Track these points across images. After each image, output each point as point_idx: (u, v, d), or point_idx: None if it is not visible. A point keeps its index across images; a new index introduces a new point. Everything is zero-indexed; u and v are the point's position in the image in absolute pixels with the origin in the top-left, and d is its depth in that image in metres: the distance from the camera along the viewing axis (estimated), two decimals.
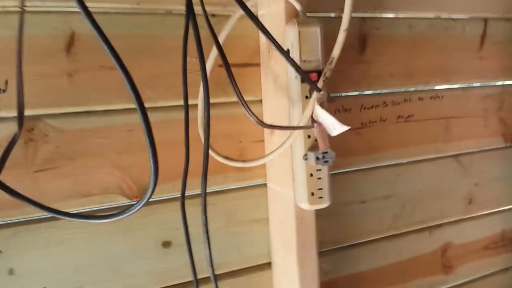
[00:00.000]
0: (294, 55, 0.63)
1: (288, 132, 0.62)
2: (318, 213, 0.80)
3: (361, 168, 0.85)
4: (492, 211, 1.02)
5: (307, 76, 0.52)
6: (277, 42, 0.51)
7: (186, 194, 0.71)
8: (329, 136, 0.60)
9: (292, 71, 0.64)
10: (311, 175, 0.66)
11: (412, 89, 0.89)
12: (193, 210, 0.71)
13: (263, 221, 0.77)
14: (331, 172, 0.82)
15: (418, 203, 0.92)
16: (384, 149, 0.87)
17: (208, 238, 0.54)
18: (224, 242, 0.75)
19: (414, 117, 0.89)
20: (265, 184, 0.77)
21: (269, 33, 0.51)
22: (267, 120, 0.74)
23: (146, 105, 0.61)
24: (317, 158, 0.64)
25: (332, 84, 0.80)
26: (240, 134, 0.74)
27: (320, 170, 0.66)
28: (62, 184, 0.64)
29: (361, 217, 0.86)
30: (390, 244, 0.90)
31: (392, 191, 0.89)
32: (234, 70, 0.71)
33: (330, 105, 0.80)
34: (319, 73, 0.64)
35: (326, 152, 0.64)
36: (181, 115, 0.67)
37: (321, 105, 0.62)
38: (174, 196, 0.71)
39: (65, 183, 0.64)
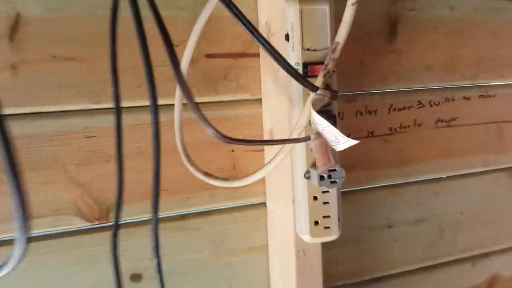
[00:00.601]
0: (295, 41, 0.48)
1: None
2: (334, 240, 0.64)
3: (389, 184, 0.69)
4: None
5: (294, 70, 0.37)
6: (246, 20, 0.35)
7: (163, 216, 0.58)
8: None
9: (292, 61, 0.49)
10: (315, 198, 0.51)
11: (456, 85, 0.71)
12: (173, 235, 0.58)
13: (261, 249, 0.62)
14: (349, 189, 0.66)
15: (460, 228, 0.74)
16: (418, 161, 0.70)
17: (160, 273, 0.40)
18: (211, 275, 0.60)
19: (458, 120, 0.71)
20: (264, 204, 0.62)
21: (238, 12, 0.35)
22: (267, 125, 0.59)
23: (108, 105, 0.48)
24: (321, 178, 0.48)
25: (353, 79, 0.64)
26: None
27: (327, 192, 0.51)
28: (3, 203, 0.52)
29: (388, 245, 0.70)
30: (424, 277, 0.73)
31: (428, 213, 0.72)
32: (226, 61, 0.57)
33: (349, 105, 0.64)
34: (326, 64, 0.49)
35: (334, 170, 0.48)
36: (159, 117, 0.53)
37: (326, 108, 0.46)
38: (147, 218, 0.57)
39: (7, 202, 0.52)
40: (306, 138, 0.39)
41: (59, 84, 0.52)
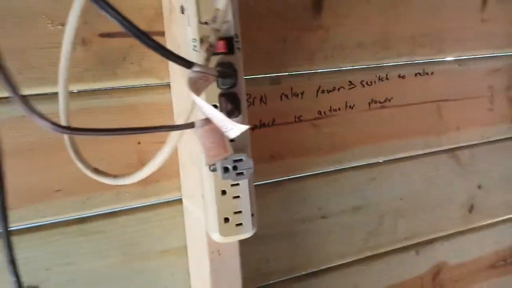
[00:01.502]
0: (190, 13, 0.41)
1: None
2: (261, 235, 0.59)
3: (320, 171, 0.64)
4: (499, 219, 0.79)
5: (159, 46, 0.30)
6: None
7: (60, 220, 0.51)
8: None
9: (189, 37, 0.42)
10: (224, 192, 0.45)
11: (390, 63, 0.66)
12: (73, 241, 0.51)
13: (179, 251, 0.56)
14: (278, 179, 0.60)
15: (400, 215, 0.70)
16: (351, 146, 0.65)
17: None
18: (120, 284, 0.54)
19: (393, 101, 0.67)
20: (180, 200, 0.56)
21: None
22: (178, 112, 0.53)
23: None
24: (225, 170, 0.42)
25: (275, 59, 0.58)
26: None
27: (237, 185, 0.45)
28: None
29: (323, 237, 0.65)
30: (364, 269, 0.68)
31: (365, 201, 0.67)
32: (124, 41, 0.50)
33: (272, 88, 0.58)
34: (229, 40, 0.42)
35: (240, 160, 0.42)
36: (45, 107, 0.46)
37: (229, 90, 0.40)
38: (39, 224, 0.50)
39: None
40: (189, 125, 0.33)
41: None
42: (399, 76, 0.66)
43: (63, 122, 0.46)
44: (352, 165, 0.65)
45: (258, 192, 0.59)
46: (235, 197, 0.45)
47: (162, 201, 0.55)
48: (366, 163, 0.66)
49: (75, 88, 0.49)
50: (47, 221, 0.50)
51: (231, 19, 0.42)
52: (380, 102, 0.66)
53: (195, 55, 0.42)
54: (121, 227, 0.53)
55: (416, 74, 0.67)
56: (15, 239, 0.48)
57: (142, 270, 0.54)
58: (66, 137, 0.46)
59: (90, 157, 0.50)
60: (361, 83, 0.64)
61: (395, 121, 0.67)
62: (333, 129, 0.63)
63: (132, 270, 0.54)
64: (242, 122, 0.43)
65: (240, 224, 0.45)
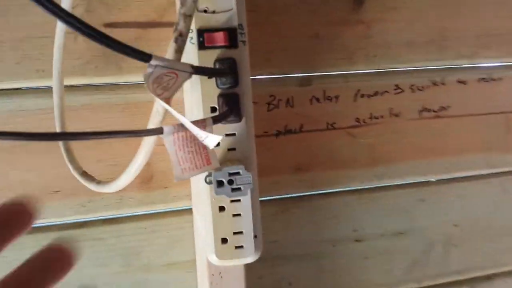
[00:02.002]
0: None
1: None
2: (282, 254, 0.52)
3: (356, 188, 0.55)
4: None
5: (102, 35, 0.23)
6: None
7: (56, 223, 0.47)
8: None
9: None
10: (222, 209, 0.38)
11: (448, 66, 0.56)
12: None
13: (188, 265, 0.51)
14: (304, 193, 0.53)
15: (453, 243, 0.60)
16: (396, 160, 0.56)
17: None
18: None
19: (450, 110, 0.57)
20: (190, 210, 0.50)
21: None
22: (188, 110, 0.47)
23: None
24: (219, 184, 0.36)
25: (306, 57, 0.51)
26: None
27: (238, 201, 0.38)
28: None
29: (356, 262, 0.56)
30: None
31: (410, 225, 0.58)
32: (131, 32, 0.46)
33: (301, 90, 0.51)
34: (231, 31, 0.36)
35: (237, 174, 0.36)
36: (45, 102, 0.44)
37: (228, 90, 0.34)
38: (35, 225, 0.47)
39: None
40: (157, 131, 0.27)
41: None
42: (459, 81, 0.56)
43: (57, 119, 0.42)
44: (396, 183, 0.56)
45: (281, 207, 0.53)
46: (235, 215, 0.39)
47: (169, 209, 0.50)
48: (413, 181, 0.57)
49: (76, 82, 0.45)
50: (44, 223, 0.47)
51: (233, 6, 0.36)
52: (434, 111, 0.56)
53: (191, 49, 0.36)
54: (122, 235, 0.49)
55: (479, 80, 0.57)
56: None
57: (145, 282, 0.49)
58: (58, 128, 0.42)
59: (93, 158, 0.46)
60: (410, 87, 0.55)
61: (451, 134, 0.57)
62: (373, 140, 0.54)
63: (134, 281, 0.49)
64: (245, 129, 0.37)
65: (240, 246, 0.39)
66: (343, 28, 0.52)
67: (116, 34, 0.45)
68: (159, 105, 0.28)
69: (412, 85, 0.55)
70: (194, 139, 0.29)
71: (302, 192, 0.53)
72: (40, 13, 0.43)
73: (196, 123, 0.28)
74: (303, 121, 0.52)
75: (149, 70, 0.25)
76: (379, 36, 0.53)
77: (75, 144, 0.43)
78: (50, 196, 0.46)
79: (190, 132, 0.28)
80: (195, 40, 0.36)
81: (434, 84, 0.56)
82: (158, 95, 0.26)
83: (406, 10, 0.53)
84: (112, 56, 0.46)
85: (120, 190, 0.44)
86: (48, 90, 0.44)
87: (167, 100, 0.28)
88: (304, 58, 0.51)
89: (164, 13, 0.46)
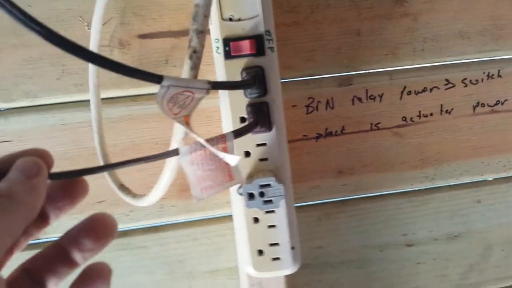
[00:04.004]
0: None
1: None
2: (327, 261, 0.50)
3: (405, 190, 0.52)
4: None
5: (99, 58, 0.22)
6: None
7: None
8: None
9: (212, 37, 0.36)
10: (256, 220, 0.38)
11: (504, 57, 0.52)
12: (115, 254, 0.48)
13: (231, 272, 0.51)
14: (348, 197, 0.51)
15: None
16: (448, 160, 0.52)
17: None
18: None
19: (508, 104, 0.52)
20: (231, 217, 0.50)
21: None
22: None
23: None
24: (250, 196, 0.35)
25: (346, 55, 0.49)
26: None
27: (272, 212, 0.37)
28: None
29: (407, 268, 0.54)
30: None
31: (465, 227, 0.54)
32: (166, 41, 0.46)
33: (341, 90, 0.49)
34: (258, 39, 0.35)
35: (267, 186, 0.35)
36: (84, 115, 0.45)
37: (256, 99, 0.33)
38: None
39: None
40: (172, 152, 0.27)
41: None
42: None
43: (95, 132, 0.43)
44: (449, 184, 0.53)
45: (324, 212, 0.51)
46: (270, 226, 0.38)
47: (210, 216, 0.50)
48: (468, 181, 0.53)
49: (113, 94, 0.46)
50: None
51: (259, 12, 0.34)
52: (490, 106, 0.52)
53: (218, 59, 0.35)
54: (166, 243, 0.49)
55: None
56: None
57: None
58: (98, 147, 0.43)
59: (134, 168, 0.47)
60: (462, 81, 0.51)
61: (509, 130, 0.52)
62: (423, 139, 0.51)
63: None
64: (277, 138, 0.35)
65: (278, 258, 0.38)
66: (386, 23, 0.49)
67: (153, 43, 0.45)
68: (180, 127, 0.27)
69: (465, 79, 0.51)
70: (214, 155, 0.28)
71: (346, 196, 0.51)
72: (79, 29, 0.44)
73: (216, 139, 0.28)
74: (345, 122, 0.50)
75: (162, 91, 0.24)
76: (426, 28, 0.49)
77: (113, 156, 0.44)
78: (94, 206, 0.47)
79: (207, 150, 0.28)
80: (221, 50, 0.35)
81: (489, 77, 0.51)
82: (175, 115, 0.26)
83: (453, 0, 0.49)
84: (149, 67, 0.46)
85: (161, 199, 0.44)
86: (87, 103, 0.45)
87: (187, 117, 0.27)
88: (344, 57, 0.49)
89: None
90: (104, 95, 0.44)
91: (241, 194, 0.37)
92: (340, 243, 0.52)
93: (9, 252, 0.24)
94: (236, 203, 0.38)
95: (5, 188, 0.21)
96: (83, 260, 0.25)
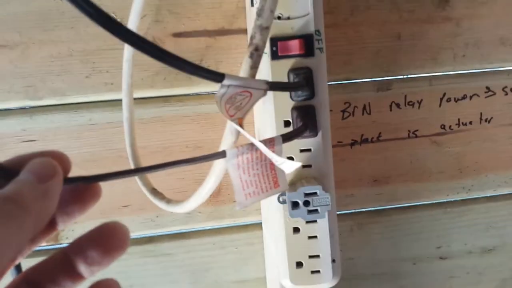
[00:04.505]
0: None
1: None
2: (358, 273, 0.48)
3: (441, 201, 0.50)
4: None
5: (158, 49, 0.20)
6: None
7: None
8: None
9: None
10: (296, 230, 0.36)
11: None
12: (140, 261, 0.46)
13: (259, 283, 0.48)
14: (382, 207, 0.49)
15: None
16: (487, 170, 0.50)
17: None
18: None
19: None
20: (260, 225, 0.48)
21: None
22: (256, 124, 0.45)
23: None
24: (294, 205, 0.33)
25: (385, 60, 0.47)
26: (211, 144, 0.46)
27: (314, 222, 0.35)
28: None
29: (440, 282, 0.52)
30: None
31: (501, 240, 0.52)
32: (200, 41, 0.44)
33: (379, 95, 0.47)
34: (307, 38, 0.33)
35: (314, 194, 0.33)
36: (114, 115, 0.43)
37: (303, 101, 0.31)
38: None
39: None
40: (219, 154, 0.25)
41: None
42: None
43: (126, 132, 0.41)
44: (487, 195, 0.51)
45: (357, 222, 0.49)
46: (311, 237, 0.36)
47: (238, 224, 0.48)
48: (506, 192, 0.51)
49: (145, 94, 0.44)
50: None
51: (310, 11, 0.33)
52: None
53: (263, 59, 0.33)
54: (192, 250, 0.47)
55: None
56: None
57: None
58: (128, 149, 0.41)
59: (161, 172, 0.45)
60: (503, 89, 0.49)
61: None
62: (461, 148, 0.49)
63: None
64: (322, 144, 0.33)
65: (317, 271, 0.36)
66: (427, 27, 0.47)
67: (187, 42, 0.43)
68: (232, 126, 0.25)
69: (505, 87, 0.49)
70: (261, 160, 0.26)
71: (380, 206, 0.49)
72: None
73: (264, 142, 0.26)
74: (382, 129, 0.48)
75: (222, 90, 0.23)
76: (468, 34, 0.47)
77: (142, 159, 0.42)
78: (119, 211, 0.45)
79: (255, 153, 0.26)
80: (267, 49, 0.33)
81: None
82: (231, 116, 0.24)
83: (497, 5, 0.48)
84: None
85: None
86: (117, 103, 0.43)
87: (240, 120, 0.25)
88: (384, 61, 0.47)
89: (233, 20, 0.44)
90: (135, 95, 0.42)
91: (282, 202, 0.35)
92: (372, 254, 0.50)
93: (12, 260, 0.21)
94: (274, 211, 0.36)
95: (13, 192, 0.19)
96: (89, 274, 0.22)
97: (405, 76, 0.48)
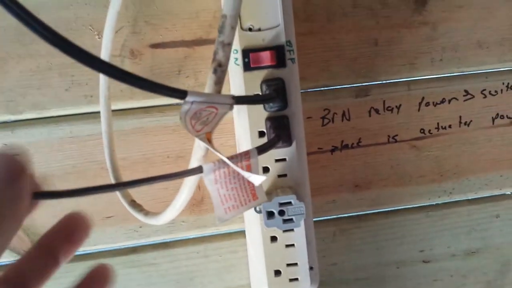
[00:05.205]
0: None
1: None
2: (342, 279, 0.49)
3: (422, 204, 0.51)
4: None
5: (112, 68, 0.21)
6: None
7: (112, 248, 0.47)
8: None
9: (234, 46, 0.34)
10: (274, 239, 0.36)
11: None
12: (124, 272, 0.47)
13: None
14: (364, 212, 0.50)
15: None
16: (467, 173, 0.51)
17: None
18: None
19: None
20: (244, 233, 0.48)
21: None
22: (236, 133, 0.45)
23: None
24: (270, 214, 0.33)
25: (363, 66, 0.47)
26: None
27: (291, 231, 0.36)
28: None
29: (424, 286, 0.52)
30: None
31: (484, 243, 0.52)
32: (178, 51, 0.44)
33: (358, 101, 0.47)
34: (278, 50, 0.33)
35: (288, 204, 0.33)
36: (94, 127, 0.43)
37: (275, 112, 0.32)
38: (88, 252, 0.46)
39: None
40: (196, 170, 0.25)
41: None
42: None
43: (105, 145, 0.41)
44: (468, 198, 0.51)
45: (339, 227, 0.49)
46: (288, 246, 0.36)
47: (222, 232, 0.48)
48: (487, 195, 0.52)
49: (125, 106, 0.44)
50: (97, 249, 0.46)
51: (280, 22, 0.33)
52: (509, 117, 0.50)
53: (236, 70, 0.34)
54: (176, 260, 0.47)
55: None
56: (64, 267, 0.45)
57: None
58: (108, 162, 0.41)
59: None
60: (481, 92, 0.49)
61: None
62: (441, 152, 0.50)
63: None
64: (297, 153, 0.34)
65: (295, 279, 0.36)
66: (404, 32, 0.47)
67: (165, 53, 0.44)
68: (200, 141, 0.26)
69: (484, 90, 0.49)
70: (237, 173, 0.26)
71: (362, 211, 0.50)
72: (89, 38, 0.43)
73: (239, 156, 0.26)
74: (361, 135, 0.48)
75: (186, 107, 0.23)
76: (445, 38, 0.48)
77: (123, 170, 0.42)
78: (103, 222, 0.46)
79: (231, 168, 0.26)
80: (240, 61, 0.33)
81: (509, 87, 0.50)
82: (197, 131, 0.24)
83: (474, 8, 0.48)
84: (161, 78, 0.44)
85: None
86: (97, 115, 0.43)
87: (208, 135, 0.26)
88: (361, 67, 0.47)
89: (210, 30, 0.44)
90: (115, 106, 0.43)
91: (258, 212, 0.35)
92: (355, 259, 0.50)
93: None
94: (252, 220, 0.36)
95: None
96: (64, 260, 0.24)
97: (383, 82, 0.48)
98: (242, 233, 0.48)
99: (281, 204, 0.33)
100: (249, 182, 0.27)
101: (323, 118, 0.47)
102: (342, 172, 0.48)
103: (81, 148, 0.44)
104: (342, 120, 0.48)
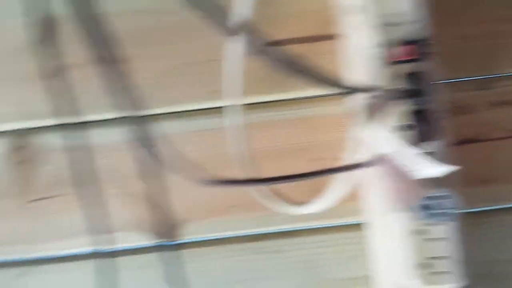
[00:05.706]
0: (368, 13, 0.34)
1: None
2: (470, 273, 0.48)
3: None
4: None
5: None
6: None
7: (235, 235, 0.49)
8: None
9: (363, 43, 0.35)
10: (420, 232, 0.37)
11: None
12: (248, 258, 0.49)
13: (366, 280, 0.49)
14: (485, 208, 0.49)
15: None
16: None
17: None
18: None
19: None
20: (368, 224, 0.49)
21: None
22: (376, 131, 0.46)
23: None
24: (424, 207, 0.34)
25: (484, 58, 0.47)
26: (314, 148, 0.47)
27: (440, 224, 0.36)
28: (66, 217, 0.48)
29: None
30: None
31: None
32: (302, 48, 0.46)
33: (479, 94, 0.48)
34: (420, 44, 0.34)
35: (441, 197, 0.34)
36: (217, 122, 0.45)
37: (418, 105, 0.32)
38: (212, 238, 0.49)
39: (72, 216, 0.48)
40: (357, 165, 0.26)
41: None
42: None
43: (236, 138, 0.43)
44: None
45: (468, 222, 0.49)
46: (436, 239, 0.36)
47: (344, 223, 0.49)
48: None
49: (245, 100, 0.46)
50: (221, 235, 0.49)
51: (421, 16, 0.33)
52: None
53: (376, 65, 0.34)
54: (299, 248, 0.49)
55: None
56: (187, 252, 0.48)
57: None
58: (239, 155, 0.43)
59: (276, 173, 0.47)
60: None
61: None
62: None
63: None
64: (444, 145, 0.34)
65: (441, 272, 0.37)
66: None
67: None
68: (367, 135, 0.27)
69: None
70: (399, 167, 0.27)
71: (487, 206, 0.49)
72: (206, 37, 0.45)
73: (403, 150, 0.27)
74: (482, 129, 0.48)
75: (374, 99, 0.24)
76: None
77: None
78: (228, 210, 0.48)
79: (395, 161, 0.27)
80: (380, 56, 0.34)
81: None
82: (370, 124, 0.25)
83: None
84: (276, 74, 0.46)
85: None
86: (221, 110, 0.45)
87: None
88: (485, 58, 0.47)
89: (326, 24, 0.45)
90: (241, 101, 0.45)
91: (414, 207, 0.36)
92: (472, 255, 0.49)
93: None
94: (395, 213, 0.37)
95: None
96: None
97: (508, 74, 0.47)
98: (360, 226, 0.48)
99: (434, 198, 0.34)
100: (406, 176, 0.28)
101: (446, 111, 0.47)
102: (468, 166, 0.48)
103: (209, 140, 0.47)
104: (464, 114, 0.47)
